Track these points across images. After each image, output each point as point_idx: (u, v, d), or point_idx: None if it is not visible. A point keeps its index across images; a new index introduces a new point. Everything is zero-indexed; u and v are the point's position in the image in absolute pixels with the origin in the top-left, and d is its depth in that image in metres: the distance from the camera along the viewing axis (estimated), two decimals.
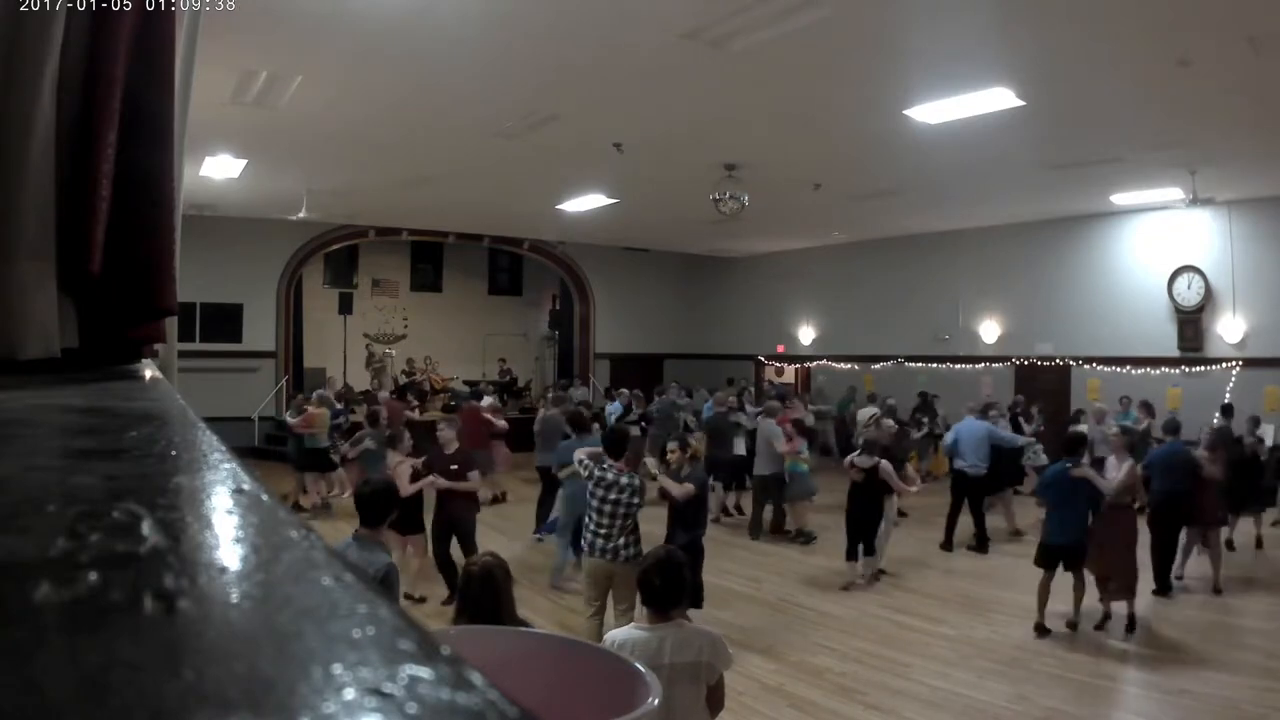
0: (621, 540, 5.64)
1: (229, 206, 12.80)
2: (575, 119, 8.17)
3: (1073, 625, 6.48)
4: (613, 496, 5.66)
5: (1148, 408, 11.14)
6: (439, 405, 17.14)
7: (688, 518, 6.51)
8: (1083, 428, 9.58)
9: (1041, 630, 6.38)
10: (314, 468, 10.70)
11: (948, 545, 9.13)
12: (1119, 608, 6.56)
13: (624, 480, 5.71)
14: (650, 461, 8.33)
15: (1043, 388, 13.33)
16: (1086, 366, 13.35)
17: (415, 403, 16.00)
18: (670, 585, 3.39)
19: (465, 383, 18.63)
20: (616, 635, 3.39)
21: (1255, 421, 10.09)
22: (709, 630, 3.61)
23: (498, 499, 11.29)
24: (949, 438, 9.76)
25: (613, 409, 13.13)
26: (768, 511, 9.90)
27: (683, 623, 3.49)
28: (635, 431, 11.43)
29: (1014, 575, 7.74)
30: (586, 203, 12.76)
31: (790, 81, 7.01)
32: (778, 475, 9.60)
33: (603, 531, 5.68)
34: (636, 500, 5.71)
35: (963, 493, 9.21)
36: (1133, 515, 6.89)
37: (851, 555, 7.82)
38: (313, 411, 10.70)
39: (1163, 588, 7.27)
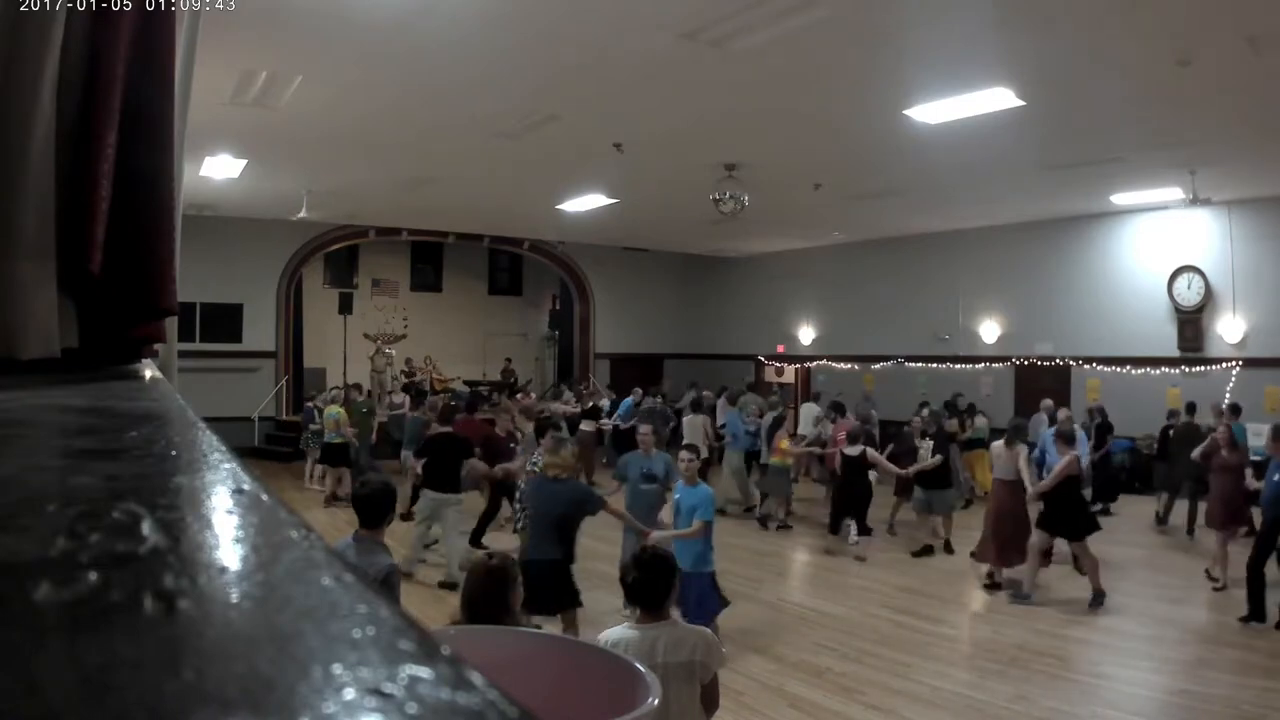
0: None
1: (229, 206, 12.79)
2: (575, 119, 8.16)
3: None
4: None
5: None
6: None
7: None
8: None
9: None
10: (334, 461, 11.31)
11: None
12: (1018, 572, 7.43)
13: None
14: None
15: (1043, 388, 13.32)
16: (1086, 366, 13.35)
17: None
18: (648, 582, 3.32)
19: (465, 383, 18.63)
20: (610, 635, 3.36)
21: (1235, 410, 10.08)
22: (702, 629, 3.59)
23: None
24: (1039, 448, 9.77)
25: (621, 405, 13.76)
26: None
27: (676, 622, 3.45)
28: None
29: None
30: (586, 203, 12.74)
31: (790, 81, 7.00)
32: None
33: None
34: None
35: None
36: (1020, 491, 7.65)
37: (834, 529, 8.97)
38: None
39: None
